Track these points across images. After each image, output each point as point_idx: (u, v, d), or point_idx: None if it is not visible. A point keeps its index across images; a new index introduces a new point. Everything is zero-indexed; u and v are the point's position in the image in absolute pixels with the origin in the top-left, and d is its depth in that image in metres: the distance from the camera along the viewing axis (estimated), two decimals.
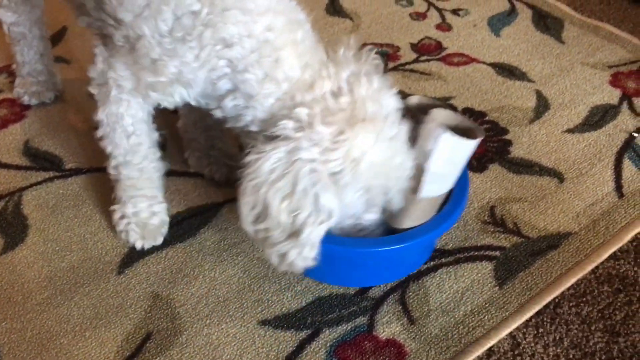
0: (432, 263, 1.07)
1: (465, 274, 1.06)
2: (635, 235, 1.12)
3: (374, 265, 1.04)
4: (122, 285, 1.04)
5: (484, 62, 1.49)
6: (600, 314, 1.01)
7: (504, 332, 0.98)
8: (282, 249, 0.87)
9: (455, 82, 1.44)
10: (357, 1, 1.70)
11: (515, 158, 1.27)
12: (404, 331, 0.98)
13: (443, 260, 1.08)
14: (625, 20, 1.64)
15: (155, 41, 0.87)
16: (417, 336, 0.97)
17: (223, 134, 1.18)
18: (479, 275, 1.06)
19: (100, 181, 1.20)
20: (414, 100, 0.98)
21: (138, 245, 1.08)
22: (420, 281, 1.05)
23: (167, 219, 1.11)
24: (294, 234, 0.86)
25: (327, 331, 0.98)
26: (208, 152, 1.19)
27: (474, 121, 0.95)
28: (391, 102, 0.89)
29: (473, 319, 0.99)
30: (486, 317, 1.00)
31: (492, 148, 1.29)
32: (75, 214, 1.15)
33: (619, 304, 1.02)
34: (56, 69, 1.41)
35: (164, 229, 1.10)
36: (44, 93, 1.37)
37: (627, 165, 1.25)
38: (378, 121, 0.85)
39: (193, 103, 0.95)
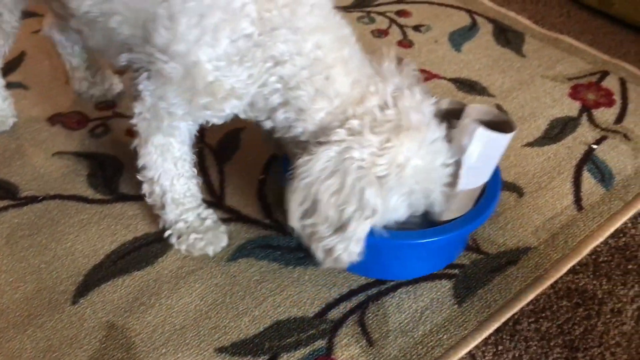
0: (391, 283, 1.07)
1: (424, 292, 1.05)
2: (595, 248, 1.13)
3: (418, 257, 1.05)
4: (77, 315, 1.02)
5: (444, 78, 1.49)
6: (559, 329, 1.01)
7: (463, 351, 0.97)
8: (329, 244, 0.92)
9: None
10: None
11: None
12: (363, 353, 0.97)
13: (402, 279, 1.07)
14: (585, 32, 1.66)
15: (212, 65, 0.92)
16: (376, 358, 0.96)
17: None
18: (438, 293, 1.05)
19: (57, 209, 1.18)
20: (444, 103, 1.03)
21: (211, 253, 1.09)
22: (379, 301, 1.04)
23: (216, 217, 1.13)
24: (341, 228, 0.90)
25: (285, 356, 0.97)
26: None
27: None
28: (431, 110, 0.96)
29: (432, 338, 0.99)
30: (445, 336, 0.99)
31: None
32: (30, 243, 1.13)
33: (578, 318, 1.02)
34: (14, 95, 1.39)
35: (222, 228, 1.12)
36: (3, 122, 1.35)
37: (587, 177, 1.25)
38: (421, 129, 0.92)
39: (242, 116, 1.00)
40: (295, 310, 1.02)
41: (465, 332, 0.99)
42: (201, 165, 1.26)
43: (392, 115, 0.91)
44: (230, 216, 1.17)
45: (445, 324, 1.00)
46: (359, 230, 0.91)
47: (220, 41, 0.90)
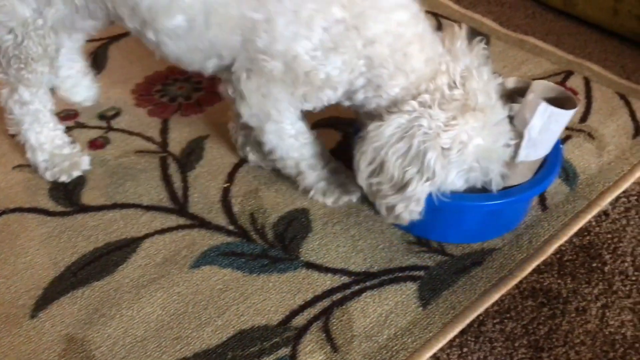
0: (356, 287, 1.06)
1: (389, 296, 1.04)
2: (559, 247, 1.12)
3: (481, 220, 1.10)
4: (36, 329, 1.00)
5: None
6: (524, 330, 1.00)
7: (428, 354, 0.97)
8: (391, 202, 1.00)
9: None
10: None
11: None
12: None
13: (367, 283, 1.06)
14: (550, 33, 1.67)
15: (309, 56, 0.98)
16: None
17: None
18: (403, 296, 1.04)
19: (17, 223, 1.16)
20: (510, 82, 1.08)
21: (354, 199, 1.17)
22: (344, 306, 1.03)
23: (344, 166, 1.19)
24: (402, 188, 0.98)
25: None
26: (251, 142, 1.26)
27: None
28: (498, 90, 1.02)
29: (396, 342, 0.98)
30: (409, 340, 0.98)
31: None
32: None
33: (542, 318, 1.02)
34: None
35: (350, 175, 1.14)
36: None
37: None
38: (486, 111, 0.98)
39: (333, 102, 1.07)
40: (259, 318, 1.01)
41: (430, 334, 0.99)
42: (164, 174, 1.25)
43: (460, 95, 0.97)
44: (194, 222, 1.16)
45: (410, 327, 1.00)
46: (419, 191, 0.98)
47: (314, 31, 0.97)
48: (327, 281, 1.07)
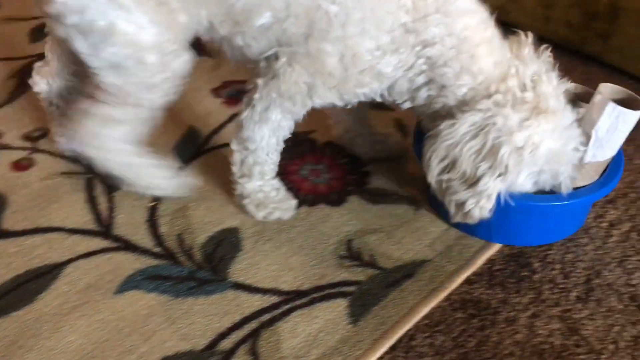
0: (286, 307, 1.04)
1: (319, 314, 1.03)
2: (490, 257, 1.13)
3: (545, 221, 1.12)
4: None
5: None
6: (454, 343, 1.00)
7: None
8: (461, 198, 1.01)
9: (315, 116, 1.42)
10: None
11: (373, 189, 1.26)
12: None
13: (298, 302, 1.04)
14: None
15: (370, 55, 1.00)
16: None
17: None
18: (334, 314, 1.03)
19: None
20: (574, 88, 1.11)
21: (285, 218, 1.18)
22: (272, 327, 1.01)
23: (285, 187, 1.21)
24: (474, 183, 0.99)
25: None
26: (375, 139, 1.31)
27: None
28: (566, 96, 1.05)
29: None
30: (339, 359, 0.96)
31: (351, 180, 1.27)
32: None
33: (472, 330, 1.01)
34: None
35: (292, 199, 1.20)
36: None
37: None
38: (557, 114, 1.00)
39: (378, 99, 1.09)
40: (184, 343, 0.98)
41: (359, 352, 0.97)
42: (90, 195, 1.21)
43: (531, 97, 1.00)
44: (119, 245, 1.12)
45: (339, 346, 0.98)
46: (490, 187, 0.99)
47: (381, 32, 0.99)
48: (256, 302, 1.04)
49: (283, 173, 1.25)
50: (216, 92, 1.49)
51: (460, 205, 1.02)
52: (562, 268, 1.11)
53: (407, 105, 1.09)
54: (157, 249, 1.12)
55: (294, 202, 1.19)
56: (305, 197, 1.23)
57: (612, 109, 1.03)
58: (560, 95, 1.04)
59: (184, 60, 1.06)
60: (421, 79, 1.04)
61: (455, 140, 1.00)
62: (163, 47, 1.02)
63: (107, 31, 0.98)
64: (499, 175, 0.99)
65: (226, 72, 1.54)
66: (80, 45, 1.01)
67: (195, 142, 1.35)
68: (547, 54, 1.05)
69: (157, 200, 1.21)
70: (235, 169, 1.16)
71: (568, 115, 1.03)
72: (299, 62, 1.03)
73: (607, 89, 1.07)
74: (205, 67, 1.57)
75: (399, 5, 0.99)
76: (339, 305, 1.04)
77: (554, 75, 1.04)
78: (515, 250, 1.14)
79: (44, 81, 1.25)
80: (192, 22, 1.05)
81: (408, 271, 1.09)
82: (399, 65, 1.02)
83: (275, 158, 1.15)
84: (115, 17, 0.98)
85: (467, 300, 1.06)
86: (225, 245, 1.13)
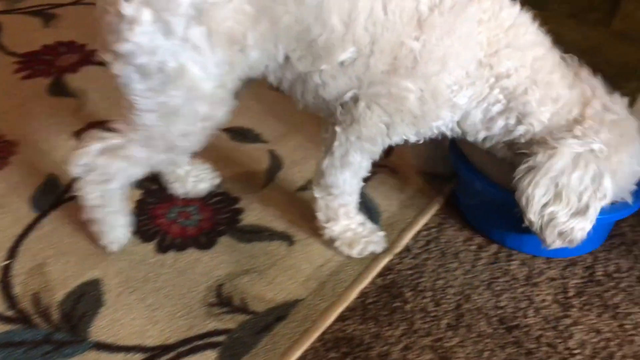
0: None
1: None
2: (363, 290, 1.12)
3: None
4: None
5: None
6: None
7: None
8: (566, 227, 1.04)
9: None
10: (83, 78, 1.60)
11: (246, 226, 1.22)
12: None
13: (163, 358, 0.99)
14: None
15: (449, 90, 1.02)
16: None
17: None
18: None
19: None
20: None
21: (379, 250, 1.18)
22: None
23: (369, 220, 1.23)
24: (579, 212, 1.04)
25: None
26: (439, 156, 1.34)
27: None
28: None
29: None
30: None
31: (222, 220, 1.23)
32: None
33: None
34: None
35: (379, 230, 1.22)
36: None
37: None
38: (637, 136, 1.08)
39: (448, 133, 1.11)
40: None
41: None
42: None
43: (616, 119, 1.06)
44: None
45: None
46: (595, 212, 1.04)
47: (458, 67, 1.01)
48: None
49: (149, 217, 1.20)
50: (79, 135, 1.41)
51: (563, 233, 1.05)
52: (433, 296, 1.12)
53: (481, 135, 1.10)
54: (9, 313, 1.04)
55: (381, 233, 1.20)
56: (174, 242, 1.18)
57: None
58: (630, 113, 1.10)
59: (227, 109, 1.03)
60: (497, 109, 1.06)
61: (558, 172, 1.02)
62: (217, 94, 0.99)
63: (176, 74, 0.94)
64: (601, 200, 1.04)
65: (90, 113, 1.47)
66: (137, 87, 0.96)
67: (55, 191, 1.27)
68: (589, 73, 1.10)
69: (10, 258, 1.12)
70: (320, 215, 1.18)
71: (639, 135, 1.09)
72: (377, 103, 1.04)
73: None
74: (68, 108, 1.49)
75: (476, 41, 1.02)
76: (208, 358, 0.99)
77: (618, 95, 1.09)
78: (387, 281, 1.14)
79: None
80: (263, 58, 1.02)
81: (280, 313, 1.06)
82: (473, 97, 1.05)
83: (357, 197, 1.18)
84: (186, 59, 0.94)
85: (340, 338, 1.04)
86: (85, 300, 1.06)
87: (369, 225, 1.20)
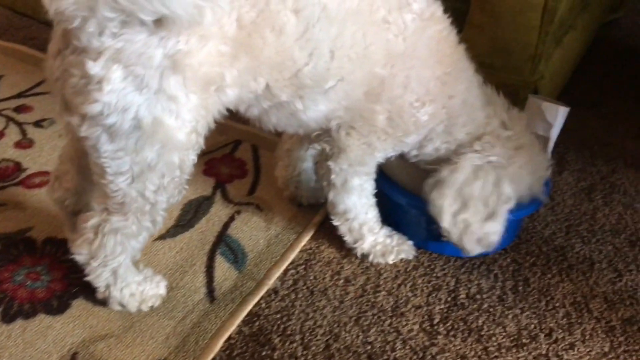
0: None
1: None
2: (228, 340, 1.07)
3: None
4: None
5: None
6: None
7: None
8: (482, 233, 1.13)
9: (34, 209, 1.28)
10: None
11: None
12: None
13: None
14: None
15: (412, 107, 1.09)
16: None
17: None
18: None
19: None
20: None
21: (411, 256, 1.26)
22: None
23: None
24: (490, 217, 1.12)
25: None
26: (316, 186, 1.32)
27: None
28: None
29: None
30: None
31: (76, 280, 1.15)
32: None
33: None
34: None
35: (404, 237, 1.28)
36: None
37: (220, 262, 1.21)
38: (532, 146, 1.18)
39: (409, 149, 1.19)
40: None
41: None
42: None
43: (512, 134, 1.16)
44: None
45: None
46: (503, 215, 1.13)
47: (421, 86, 1.07)
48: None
49: None
50: None
51: (480, 239, 1.13)
52: (302, 339, 1.09)
53: (412, 153, 1.19)
54: None
55: (410, 241, 1.26)
56: (21, 309, 1.09)
57: (565, 110, 1.21)
58: (527, 126, 1.20)
59: (195, 155, 1.00)
60: (440, 128, 1.14)
61: (461, 183, 1.11)
62: (191, 140, 0.95)
63: (151, 129, 0.89)
64: (506, 203, 1.12)
65: None
66: (107, 149, 0.91)
67: None
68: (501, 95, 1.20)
69: None
70: (347, 238, 1.23)
71: (536, 144, 1.20)
72: (353, 127, 1.11)
73: (537, 97, 1.26)
74: None
75: (435, 60, 1.07)
76: None
77: (517, 110, 1.19)
78: (255, 329, 1.10)
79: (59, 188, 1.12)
80: (241, 94, 1.00)
81: None
82: (432, 115, 1.11)
83: (374, 212, 1.23)
84: (161, 111, 0.89)
85: None
86: None
87: (397, 236, 1.26)
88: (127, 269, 1.08)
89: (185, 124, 0.93)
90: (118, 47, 0.85)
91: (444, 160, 1.15)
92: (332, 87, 1.04)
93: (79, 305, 1.11)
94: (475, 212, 1.12)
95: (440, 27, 1.08)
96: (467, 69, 1.15)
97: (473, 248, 1.15)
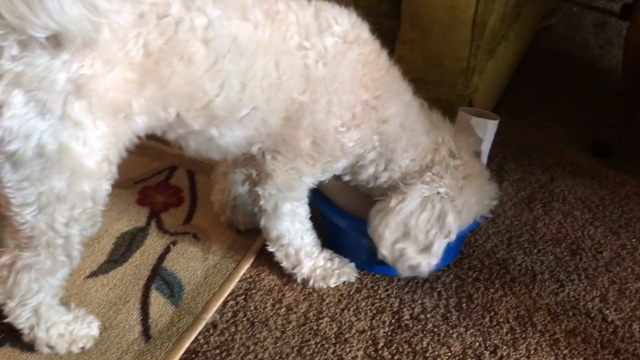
0: None
1: None
2: None
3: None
4: None
5: None
6: None
7: None
8: (416, 262, 1.12)
9: None
10: None
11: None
12: None
13: None
14: None
15: (337, 132, 1.06)
16: None
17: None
18: None
19: None
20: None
21: (353, 279, 1.23)
22: None
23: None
24: (425, 249, 1.12)
25: None
26: (252, 210, 1.24)
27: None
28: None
29: None
30: None
31: (1, 327, 1.09)
32: None
33: None
34: None
35: (345, 259, 1.26)
36: None
37: (155, 297, 1.16)
38: (481, 175, 1.17)
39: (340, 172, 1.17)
40: None
41: None
42: None
43: (460, 164, 1.14)
44: None
45: None
46: (439, 248, 1.12)
47: (346, 111, 1.05)
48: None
49: None
50: None
51: (414, 267, 1.13)
52: None
53: (347, 177, 1.17)
54: None
55: (351, 263, 1.24)
56: None
57: (494, 123, 1.22)
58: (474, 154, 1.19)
59: (109, 185, 0.95)
60: (372, 155, 1.11)
61: (407, 215, 1.10)
62: (102, 169, 0.92)
63: (57, 156, 0.86)
64: (445, 237, 1.11)
65: None
66: (11, 178, 0.87)
67: None
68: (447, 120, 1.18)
69: None
70: (285, 264, 1.20)
71: (485, 173, 1.19)
72: (278, 152, 1.08)
73: (467, 111, 1.26)
74: None
75: (360, 84, 1.05)
76: None
77: (464, 137, 1.17)
78: None
79: None
80: (152, 122, 0.96)
81: None
82: (360, 141, 1.09)
83: (310, 236, 1.20)
84: (68, 138, 0.86)
85: None
86: None
87: (337, 258, 1.23)
88: (50, 307, 1.02)
89: (94, 152, 0.89)
90: (18, 70, 0.81)
91: (392, 189, 1.13)
92: (246, 115, 1.01)
93: (5, 354, 1.05)
94: (414, 242, 1.11)
95: (366, 49, 1.05)
96: (403, 92, 1.12)
97: (405, 273, 1.15)
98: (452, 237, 1.12)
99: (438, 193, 1.11)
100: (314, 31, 1.01)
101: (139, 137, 0.99)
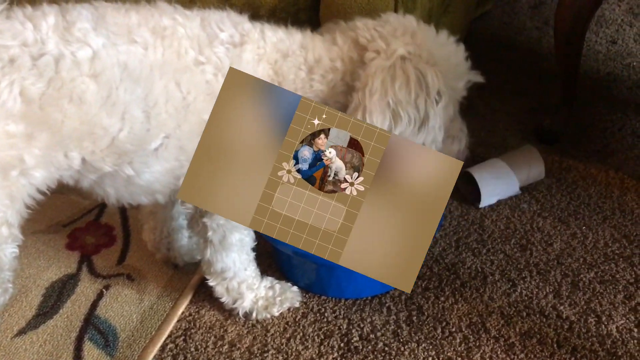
0: None
1: None
2: None
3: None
4: None
5: None
6: None
7: None
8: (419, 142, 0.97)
9: None
10: None
11: None
12: None
13: None
14: None
15: None
16: None
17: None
18: None
19: None
20: None
21: (297, 304, 1.18)
22: None
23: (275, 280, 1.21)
24: (423, 122, 0.96)
25: None
26: (190, 244, 1.24)
27: None
28: None
29: None
30: None
31: None
32: None
33: None
34: None
35: (288, 283, 1.20)
36: None
37: (89, 349, 1.09)
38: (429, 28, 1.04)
39: None
40: None
41: None
42: None
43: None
44: None
45: None
46: (437, 119, 0.97)
47: None
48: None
49: None
50: None
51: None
52: None
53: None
54: None
55: (294, 287, 1.19)
56: None
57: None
58: None
59: (14, 248, 0.89)
60: None
61: (381, 92, 0.94)
62: (1, 235, 0.85)
63: None
64: (437, 102, 0.97)
65: None
66: None
67: None
68: None
69: None
70: (225, 299, 1.15)
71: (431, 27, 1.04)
72: None
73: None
74: None
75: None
76: None
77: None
78: None
79: None
80: (53, 173, 0.88)
81: None
82: None
83: (252, 267, 1.15)
84: None
85: None
86: None
87: (278, 285, 1.18)
88: None
89: None
90: None
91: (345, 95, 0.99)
92: (160, 146, 0.93)
93: None
94: (409, 122, 0.95)
95: (257, 44, 0.97)
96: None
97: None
98: (445, 98, 0.98)
99: (401, 56, 0.95)
100: (205, 43, 0.93)
101: (43, 193, 0.90)
